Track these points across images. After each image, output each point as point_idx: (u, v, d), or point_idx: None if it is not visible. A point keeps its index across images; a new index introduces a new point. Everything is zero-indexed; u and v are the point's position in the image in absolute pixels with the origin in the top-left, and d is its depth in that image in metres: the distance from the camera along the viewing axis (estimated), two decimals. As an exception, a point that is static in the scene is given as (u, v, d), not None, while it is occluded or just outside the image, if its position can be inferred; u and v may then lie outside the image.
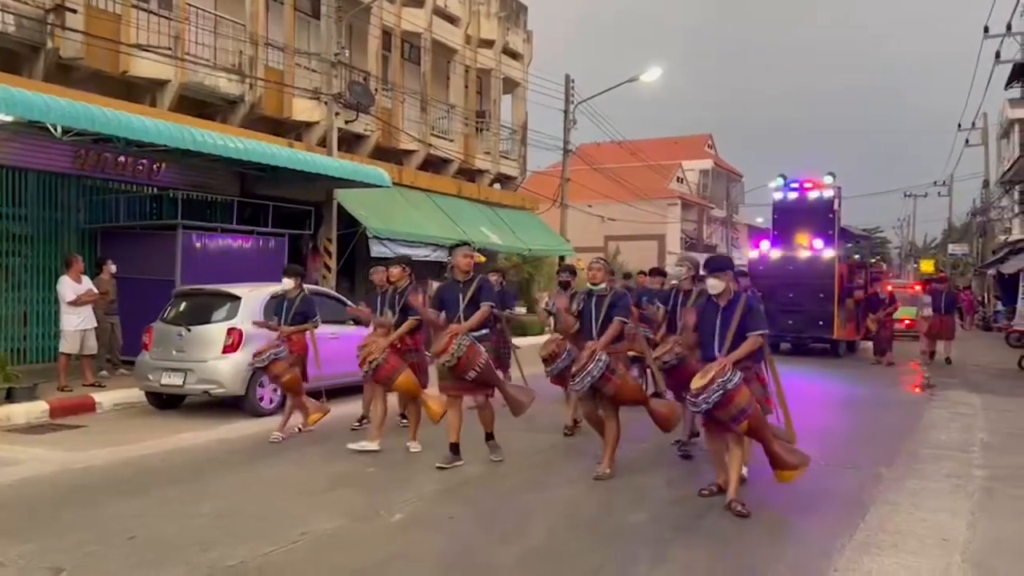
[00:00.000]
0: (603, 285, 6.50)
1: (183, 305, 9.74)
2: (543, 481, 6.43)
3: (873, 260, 23.71)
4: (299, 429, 8.04)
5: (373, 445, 7.17)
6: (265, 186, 14.63)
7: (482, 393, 6.72)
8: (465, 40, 22.10)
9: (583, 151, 27.77)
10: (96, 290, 10.70)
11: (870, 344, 17.72)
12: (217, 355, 9.09)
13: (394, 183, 16.01)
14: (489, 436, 6.95)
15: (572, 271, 9.62)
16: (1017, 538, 5.19)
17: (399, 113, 19.61)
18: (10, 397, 9.02)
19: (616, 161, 34.23)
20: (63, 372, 10.10)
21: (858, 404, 11.39)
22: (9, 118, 10.21)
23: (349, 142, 17.71)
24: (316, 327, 8.17)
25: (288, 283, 8.17)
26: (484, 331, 6.77)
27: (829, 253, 17.56)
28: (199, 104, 14.46)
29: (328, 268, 16.30)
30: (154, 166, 12.88)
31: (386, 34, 19.32)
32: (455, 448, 6.70)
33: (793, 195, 18.97)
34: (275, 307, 8.32)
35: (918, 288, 21.30)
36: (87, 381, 10.28)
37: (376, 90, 18.34)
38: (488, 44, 23.18)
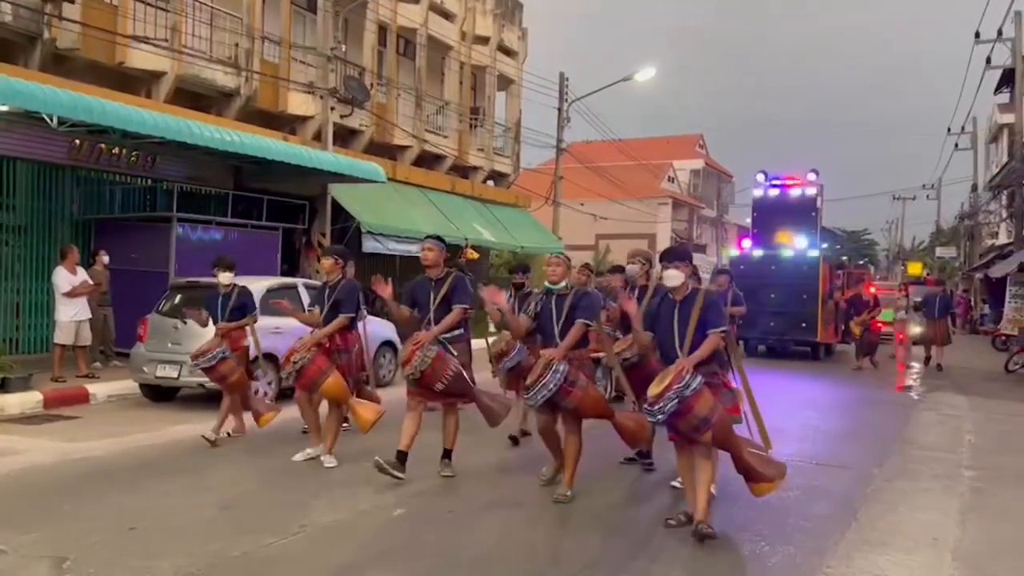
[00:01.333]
0: (564, 283, 5.77)
1: (178, 297, 9.75)
2: (492, 503, 5.66)
3: (861, 262, 23.90)
4: (228, 433, 7.46)
5: (319, 450, 6.61)
6: (259, 180, 14.64)
7: (455, 402, 6.16)
8: (460, 36, 22.12)
9: (575, 149, 27.84)
10: (91, 281, 10.69)
11: (849, 347, 17.36)
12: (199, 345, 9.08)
13: (388, 178, 16.03)
14: (446, 453, 6.25)
15: (525, 270, 8.77)
16: (1006, 537, 5.30)
17: (394, 108, 19.61)
18: (4, 387, 9.01)
19: (608, 160, 34.32)
20: (57, 363, 10.09)
21: (846, 405, 11.53)
22: (6, 108, 10.19)
23: (344, 137, 17.71)
24: (255, 322, 7.65)
25: (224, 276, 7.52)
26: (457, 331, 6.19)
27: (813, 252, 17.12)
28: (195, 96, 14.43)
29: (321, 262, 16.29)
30: (149, 158, 12.87)
31: (382, 29, 19.32)
32: (402, 457, 5.95)
33: (774, 192, 18.38)
34: (219, 302, 7.62)
35: (908, 290, 21.31)
36: (81, 372, 10.28)
37: (371, 85, 18.35)
38: (483, 41, 23.20)
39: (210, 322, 7.58)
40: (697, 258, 25.91)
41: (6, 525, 4.82)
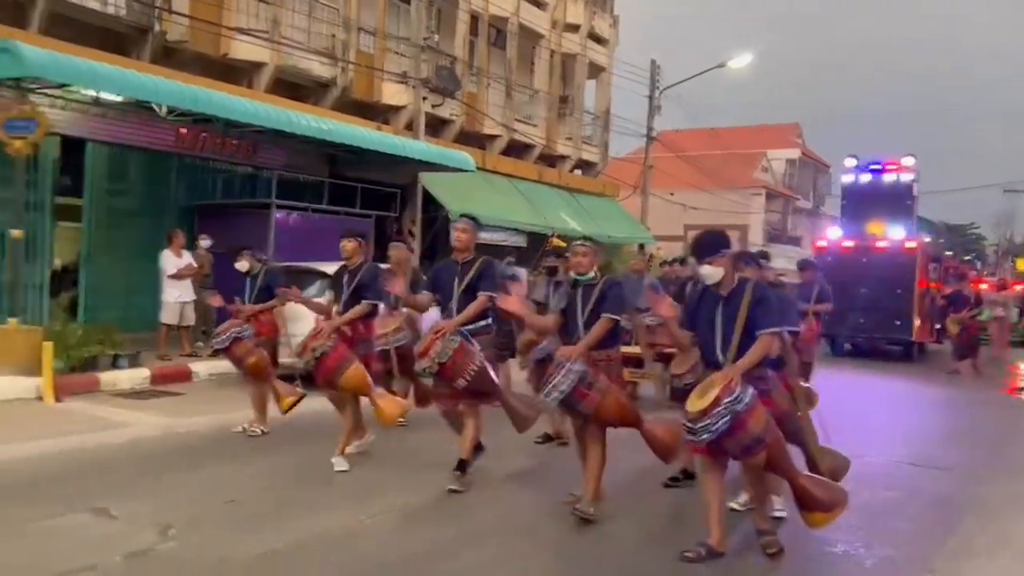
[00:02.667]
0: (592, 274, 5.10)
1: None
2: (493, 529, 4.86)
3: (968, 257, 22.61)
4: (243, 428, 7.06)
5: (364, 442, 6.30)
6: (353, 168, 14.98)
7: (479, 403, 5.55)
8: (551, 25, 22.05)
9: (666, 137, 27.41)
10: (195, 264, 11.17)
11: (946, 348, 16.19)
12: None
13: (477, 167, 16.16)
14: (461, 464, 5.51)
15: (558, 254, 7.92)
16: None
17: (484, 98, 19.74)
18: (115, 364, 9.52)
19: (699, 148, 33.65)
20: (163, 342, 10.61)
21: (946, 405, 11.03)
22: (119, 98, 10.74)
23: (434, 126, 17.93)
24: (283, 304, 7.28)
25: (243, 264, 7.29)
26: (483, 323, 5.60)
27: (910, 244, 15.93)
28: (293, 87, 14.86)
29: (411, 250, 16.57)
30: (250, 146, 13.34)
31: (474, 19, 19.44)
32: (461, 466, 5.52)
33: (866, 178, 17.09)
34: (245, 283, 7.45)
35: (1019, 288, 20.00)
36: (184, 351, 10.78)
37: (462, 75, 18.50)
38: (574, 28, 23.07)
39: (301, 304, 6.92)
40: (790, 251, 24.74)
41: (116, 493, 5.10)
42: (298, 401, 6.92)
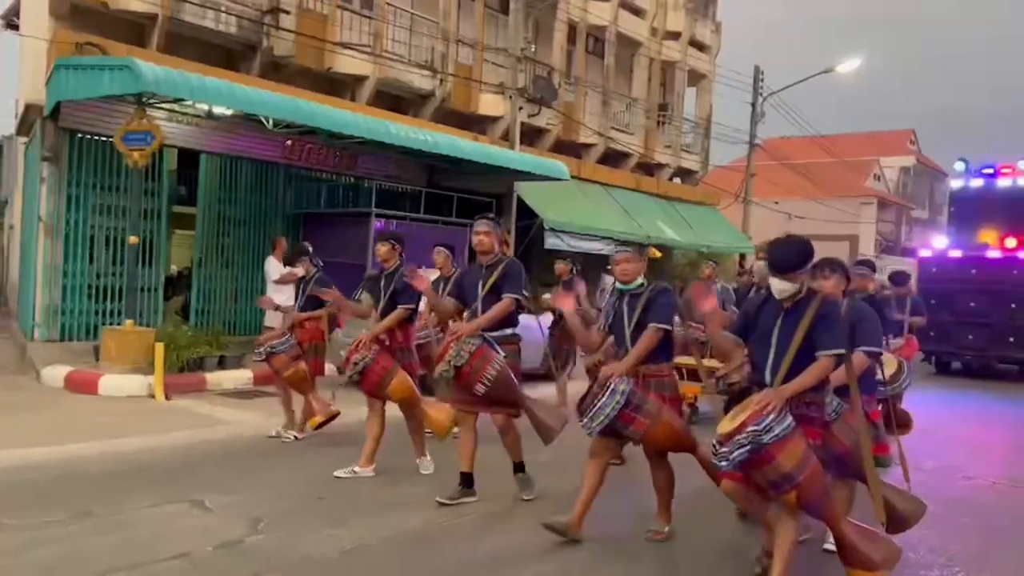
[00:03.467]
0: (639, 282, 4.71)
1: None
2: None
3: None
4: (295, 436, 7.09)
5: (367, 471, 5.89)
6: (450, 178, 15.24)
7: (501, 412, 5.20)
8: (651, 32, 21.85)
9: (771, 145, 26.70)
10: (298, 271, 11.59)
11: None
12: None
13: (572, 176, 16.15)
14: (518, 467, 5.41)
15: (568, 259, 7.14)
16: None
17: (581, 107, 19.72)
18: (221, 364, 9.99)
19: (806, 156, 32.63)
20: (266, 344, 11.04)
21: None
22: (230, 111, 11.29)
23: (530, 136, 18.04)
24: (333, 312, 7.20)
25: (300, 270, 7.41)
26: (508, 331, 5.23)
27: None
28: (394, 99, 15.25)
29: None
30: (352, 157, 13.77)
31: (571, 28, 19.47)
32: (466, 479, 5.30)
33: (978, 183, 15.88)
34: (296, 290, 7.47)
35: None
36: (286, 354, 11.18)
37: (559, 84, 18.56)
38: (674, 36, 22.78)
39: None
40: (906, 262, 23.03)
41: (212, 487, 5.34)
42: (329, 420, 6.85)
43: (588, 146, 19.89)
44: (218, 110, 11.33)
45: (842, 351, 3.68)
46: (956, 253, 15.37)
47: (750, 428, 3.45)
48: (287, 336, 6.94)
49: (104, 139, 11.46)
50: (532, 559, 4.39)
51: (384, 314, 5.89)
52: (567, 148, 19.05)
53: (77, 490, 5.20)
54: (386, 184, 14.90)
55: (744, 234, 24.07)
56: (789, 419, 3.52)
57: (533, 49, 17.42)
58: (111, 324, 10.92)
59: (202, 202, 13.31)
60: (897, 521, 4.26)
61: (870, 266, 7.23)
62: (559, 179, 15.15)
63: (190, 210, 13.36)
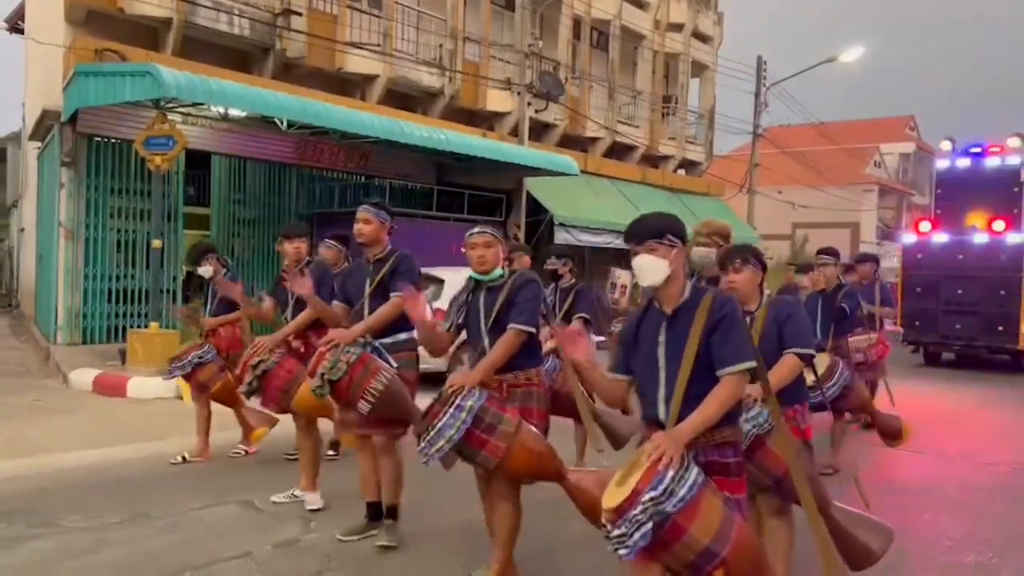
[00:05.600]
0: (499, 272, 3.83)
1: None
2: None
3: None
4: (244, 451, 6.45)
5: (314, 498, 5.08)
6: (460, 175, 15.37)
7: (386, 433, 4.34)
8: (654, 25, 21.94)
9: (772, 133, 26.77)
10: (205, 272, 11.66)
11: None
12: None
13: (580, 170, 16.28)
14: (390, 512, 4.48)
15: (561, 254, 6.19)
16: None
17: (586, 101, 19.82)
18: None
19: (808, 144, 32.73)
20: (286, 344, 11.15)
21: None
22: (244, 113, 11.39)
23: (538, 131, 18.14)
24: (250, 316, 5.93)
25: (207, 269, 6.19)
26: (402, 336, 4.44)
27: (1015, 238, 13.74)
28: (403, 97, 15.35)
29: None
30: (362, 156, 13.89)
31: (576, 23, 19.56)
32: (373, 510, 4.58)
33: (965, 163, 14.92)
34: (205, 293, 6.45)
35: None
36: (306, 353, 11.28)
37: (565, 79, 18.65)
38: (677, 28, 22.87)
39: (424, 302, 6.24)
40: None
41: (257, 487, 5.45)
42: (269, 428, 6.33)
43: (594, 140, 20.00)
44: (233, 112, 11.44)
45: (750, 364, 2.69)
46: (941, 237, 14.48)
47: (646, 496, 2.43)
48: (208, 346, 6.16)
49: (120, 143, 11.58)
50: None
51: (294, 314, 5.13)
52: (574, 142, 19.16)
53: (129, 492, 5.32)
54: (397, 182, 15.02)
55: (749, 224, 24.18)
56: (694, 472, 2.53)
57: (539, 45, 17.51)
58: (131, 327, 11.05)
59: (215, 203, 13.43)
60: (858, 556, 3.61)
61: (834, 254, 6.90)
62: (568, 174, 15.28)
63: (199, 211, 13.48)
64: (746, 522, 2.67)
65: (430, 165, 15.44)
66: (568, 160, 15.24)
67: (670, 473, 2.47)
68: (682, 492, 2.47)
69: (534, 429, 3.56)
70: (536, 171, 15.19)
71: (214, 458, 6.33)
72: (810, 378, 5.31)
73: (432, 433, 3.36)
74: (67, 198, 11.28)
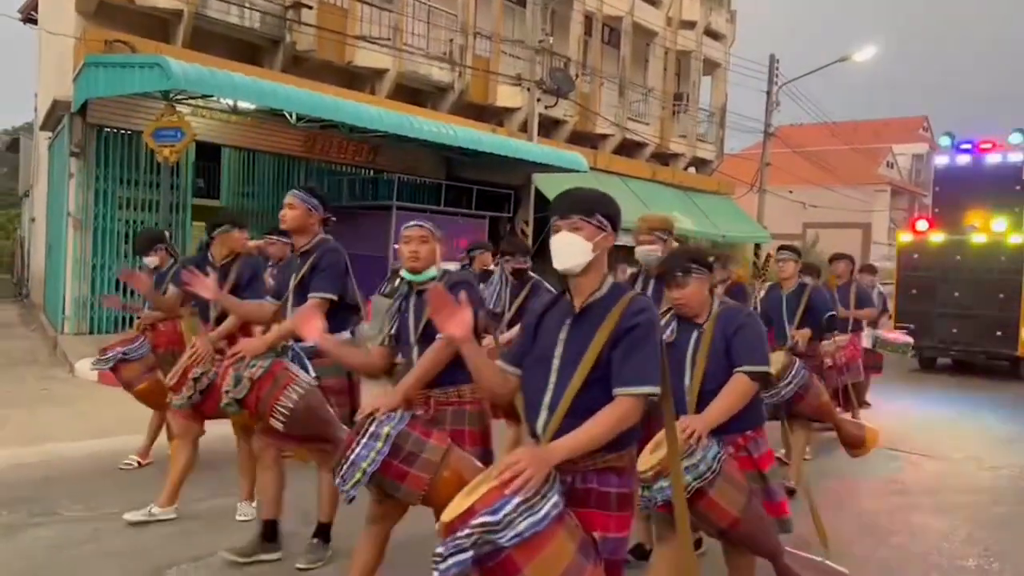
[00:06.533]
0: (432, 272, 3.40)
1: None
2: None
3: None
4: (139, 462, 5.85)
5: (169, 512, 4.66)
6: (469, 170, 15.37)
7: (315, 448, 3.90)
8: (666, 22, 21.86)
9: (784, 133, 26.66)
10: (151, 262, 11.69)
11: None
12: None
13: (589, 167, 16.25)
14: (319, 529, 4.15)
15: (525, 251, 5.97)
16: None
17: (597, 97, 19.77)
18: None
19: (820, 144, 32.57)
20: (292, 337, 11.19)
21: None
22: (254, 107, 11.42)
23: (547, 127, 18.11)
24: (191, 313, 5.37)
25: (153, 260, 5.76)
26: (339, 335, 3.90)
27: (1016, 239, 13.03)
28: (412, 91, 15.35)
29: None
30: (371, 150, 13.90)
31: (588, 19, 19.51)
32: (322, 531, 4.14)
33: (964, 160, 14.23)
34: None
35: None
36: (312, 346, 11.32)
37: (576, 75, 18.61)
38: (690, 25, 22.78)
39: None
40: None
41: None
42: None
43: (604, 136, 19.95)
44: (243, 105, 11.47)
45: (653, 390, 2.26)
46: (939, 237, 13.76)
47: (478, 520, 2.01)
48: (141, 340, 5.62)
49: (129, 133, 11.62)
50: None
51: (219, 320, 4.63)
52: (583, 139, 19.12)
53: (130, 482, 5.35)
54: (405, 177, 15.03)
55: (759, 223, 24.10)
56: (550, 503, 2.07)
57: (550, 41, 17.47)
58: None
59: (225, 195, 13.47)
60: None
61: (794, 251, 6.43)
62: (576, 171, 15.25)
63: (208, 203, 13.53)
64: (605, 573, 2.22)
65: (439, 160, 15.44)
66: (577, 156, 15.21)
67: (516, 499, 2.02)
68: (523, 525, 2.01)
69: (466, 455, 3.01)
70: (545, 167, 15.17)
71: (214, 452, 6.34)
72: None
73: (345, 467, 2.88)
74: (76, 188, 11.33)
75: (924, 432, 8.31)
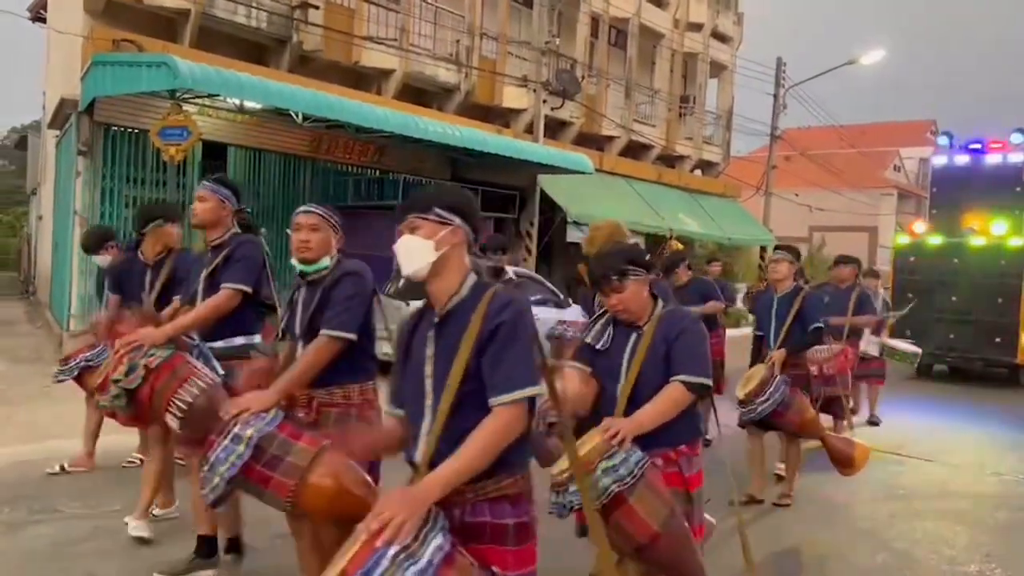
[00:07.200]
0: (323, 263, 3.26)
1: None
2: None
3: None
4: (62, 467, 5.62)
5: (143, 528, 4.31)
6: (474, 171, 15.35)
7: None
8: (673, 24, 21.84)
9: (790, 135, 26.61)
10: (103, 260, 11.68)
11: None
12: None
13: (595, 169, 16.23)
14: (230, 545, 3.96)
15: (501, 248, 5.67)
16: None
17: (603, 99, 19.76)
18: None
19: (826, 147, 32.49)
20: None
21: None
22: (259, 106, 11.44)
23: (553, 128, 18.10)
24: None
25: (105, 259, 5.43)
26: (237, 341, 3.70)
27: (1016, 242, 12.55)
28: (419, 92, 15.36)
29: (529, 251, 16.84)
30: (376, 150, 13.91)
31: (595, 20, 19.50)
32: (204, 546, 3.88)
33: (963, 160, 13.72)
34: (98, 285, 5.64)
35: None
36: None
37: (582, 77, 18.60)
38: (696, 28, 22.77)
39: None
40: None
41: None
42: None
43: (610, 138, 19.94)
44: (249, 104, 11.49)
45: (534, 391, 2.02)
46: (936, 239, 13.28)
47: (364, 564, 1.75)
48: (103, 347, 5.08)
49: (136, 132, 11.66)
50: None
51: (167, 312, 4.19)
52: (589, 140, 19.12)
53: (129, 480, 5.35)
54: (411, 177, 15.04)
55: (764, 226, 24.06)
56: (433, 546, 1.84)
57: (557, 42, 17.47)
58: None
59: (231, 195, 13.50)
60: None
61: (790, 251, 5.81)
62: (582, 172, 15.24)
63: (216, 202, 13.56)
64: None
65: (444, 161, 15.42)
66: (583, 158, 15.20)
67: (391, 551, 1.76)
68: (381, 569, 1.74)
69: (350, 463, 2.65)
70: (551, 169, 15.15)
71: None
72: (741, 391, 4.99)
73: (206, 470, 2.63)
74: (83, 187, 11.35)
75: (926, 437, 8.29)
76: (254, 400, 2.72)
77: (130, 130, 11.67)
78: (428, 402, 2.10)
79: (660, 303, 3.07)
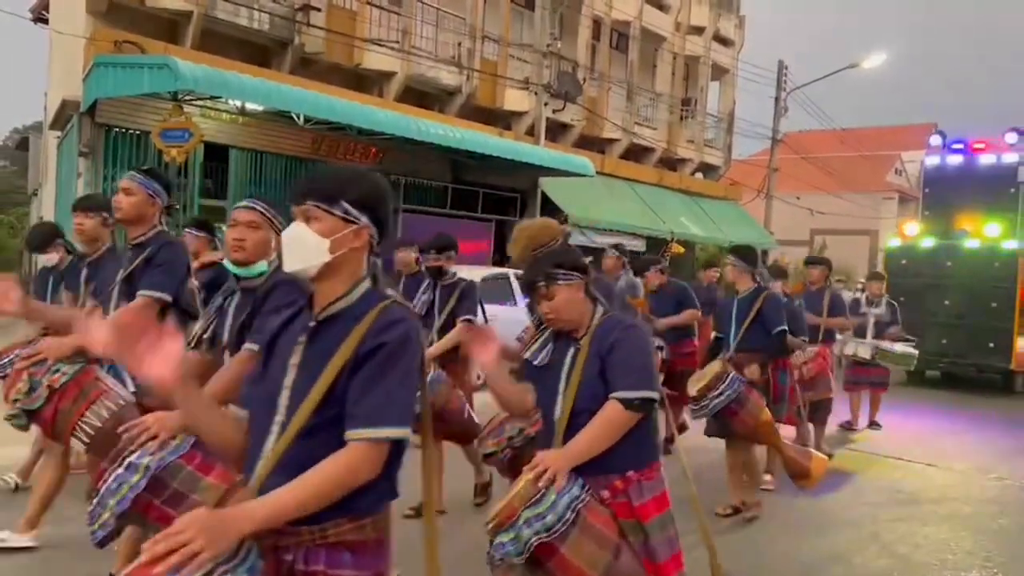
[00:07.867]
0: (260, 267, 2.91)
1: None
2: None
3: None
4: (16, 483, 5.33)
5: (25, 539, 4.18)
6: (475, 173, 15.38)
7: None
8: (675, 27, 21.86)
9: (791, 139, 26.59)
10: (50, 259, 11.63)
11: None
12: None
13: (596, 172, 16.24)
14: None
15: (443, 247, 5.18)
16: None
17: (605, 102, 19.77)
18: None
19: (828, 150, 32.46)
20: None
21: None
22: (262, 108, 11.45)
23: (555, 131, 18.11)
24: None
25: (52, 257, 5.12)
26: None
27: (1010, 244, 12.24)
28: (420, 94, 15.37)
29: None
30: (378, 152, 13.92)
31: (596, 23, 19.51)
32: None
33: (956, 160, 13.39)
34: (42, 286, 5.21)
35: None
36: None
37: (584, 79, 18.61)
38: (698, 31, 22.77)
39: None
40: None
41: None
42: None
43: (612, 141, 19.95)
44: (251, 106, 11.51)
45: (397, 433, 1.70)
46: (929, 242, 12.92)
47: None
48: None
49: (137, 134, 11.67)
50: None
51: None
52: (591, 143, 19.12)
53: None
54: (412, 179, 15.05)
55: (765, 229, 24.04)
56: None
57: (558, 45, 17.48)
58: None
59: (232, 196, 13.48)
60: None
61: (739, 255, 5.42)
62: (583, 175, 15.25)
63: (216, 203, 13.54)
64: None
65: (446, 163, 15.44)
66: (584, 161, 15.21)
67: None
68: None
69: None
70: (552, 171, 15.17)
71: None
72: (694, 388, 4.72)
73: (95, 502, 2.22)
74: (84, 188, 11.34)
75: (928, 442, 8.27)
76: (160, 421, 2.22)
77: (131, 131, 11.68)
78: (278, 418, 1.74)
79: (600, 310, 2.69)
